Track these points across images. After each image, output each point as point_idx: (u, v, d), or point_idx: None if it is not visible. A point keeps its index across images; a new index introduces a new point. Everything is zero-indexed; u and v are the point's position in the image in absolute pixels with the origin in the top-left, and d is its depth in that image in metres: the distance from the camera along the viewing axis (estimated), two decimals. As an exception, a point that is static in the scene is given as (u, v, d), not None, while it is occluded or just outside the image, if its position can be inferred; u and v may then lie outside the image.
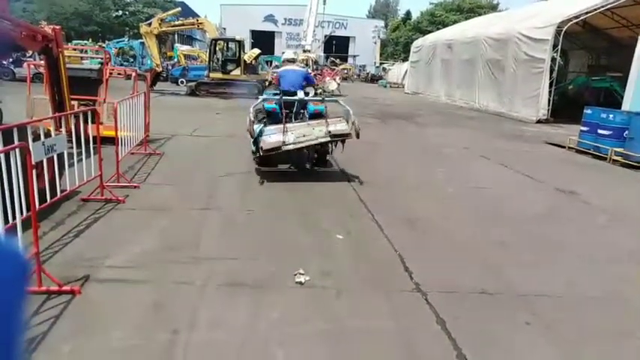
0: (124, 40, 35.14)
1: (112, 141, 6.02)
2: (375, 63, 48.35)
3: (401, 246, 4.68)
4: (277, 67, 32.67)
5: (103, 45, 32.51)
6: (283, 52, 8.50)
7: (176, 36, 43.44)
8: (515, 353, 3.08)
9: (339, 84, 23.93)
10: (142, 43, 24.12)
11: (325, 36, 45.51)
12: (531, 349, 3.13)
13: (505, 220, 5.84)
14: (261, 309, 3.37)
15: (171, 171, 7.26)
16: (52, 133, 4.60)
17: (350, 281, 3.90)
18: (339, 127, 7.08)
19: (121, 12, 51.01)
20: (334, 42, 51.41)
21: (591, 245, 5.20)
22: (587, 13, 16.33)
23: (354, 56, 55.07)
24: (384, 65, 45.37)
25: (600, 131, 10.50)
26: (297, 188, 6.68)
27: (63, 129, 4.93)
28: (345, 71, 40.72)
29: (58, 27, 6.69)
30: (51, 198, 4.60)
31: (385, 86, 36.77)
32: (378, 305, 3.54)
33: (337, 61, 45.86)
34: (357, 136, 7.09)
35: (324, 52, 47.29)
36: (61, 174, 4.95)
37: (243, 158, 8.31)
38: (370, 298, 3.64)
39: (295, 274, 3.85)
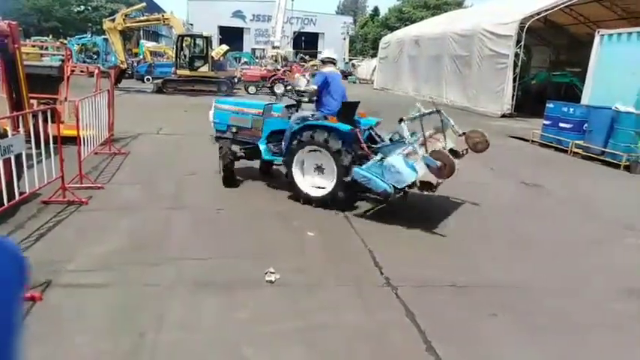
0: (86, 37, 34.04)
1: (73, 141, 5.82)
2: (344, 59, 48.47)
3: (371, 241, 4.71)
4: (247, 63, 32.56)
5: (65, 41, 31.40)
6: (320, 52, 6.97)
7: (141, 32, 42.33)
8: (482, 344, 3.15)
9: (308, 80, 23.85)
10: (106, 40, 23.38)
11: (294, 32, 45.35)
12: (497, 339, 3.21)
13: (472, 213, 5.96)
14: (231, 309, 3.34)
15: (136, 170, 7.09)
16: (9, 133, 4.42)
17: (321, 278, 3.90)
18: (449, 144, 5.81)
19: (82, 7, 49.36)
20: (303, 38, 51.28)
21: (557, 237, 5.37)
22: (547, 10, 16.82)
23: (323, 52, 55.05)
24: (354, 61, 45.54)
25: (562, 125, 10.85)
26: (266, 186, 6.63)
27: (21, 129, 4.74)
28: (315, 67, 40.68)
29: (14, 22, 6.41)
30: (9, 201, 4.41)
31: (354, 82, 36.93)
32: (349, 301, 3.56)
33: (307, 57, 45.77)
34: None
35: (294, 49, 47.12)
36: (19, 176, 4.75)
37: (212, 156, 8.18)
38: (341, 295, 3.65)
39: (266, 273, 3.82)
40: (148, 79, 23.13)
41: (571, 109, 10.81)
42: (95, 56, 31.97)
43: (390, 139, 5.85)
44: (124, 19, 19.10)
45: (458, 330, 3.28)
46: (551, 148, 11.10)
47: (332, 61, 6.44)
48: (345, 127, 5.47)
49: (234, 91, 21.38)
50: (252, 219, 5.25)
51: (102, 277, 3.67)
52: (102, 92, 7.66)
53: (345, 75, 41.58)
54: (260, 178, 7.01)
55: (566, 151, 10.56)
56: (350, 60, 47.17)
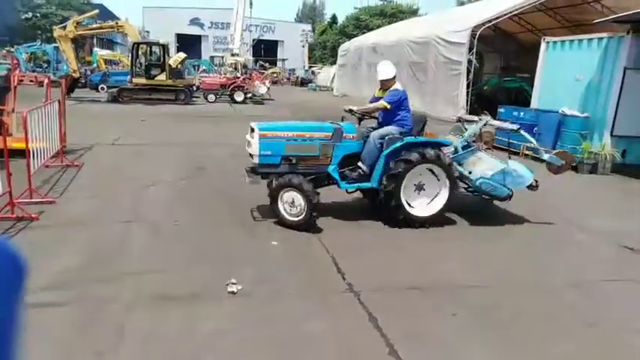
0: (35, 45, 32.72)
1: (22, 153, 5.58)
2: (304, 66, 48.74)
3: (334, 248, 4.74)
4: (205, 71, 32.18)
5: (11, 50, 30.04)
6: (378, 63, 6.16)
7: (95, 40, 41.13)
8: (443, 343, 3.23)
9: (268, 88, 23.85)
10: (57, 48, 22.57)
11: (253, 40, 45.19)
12: (456, 338, 3.30)
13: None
14: (193, 322, 3.28)
15: (91, 183, 6.86)
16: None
17: (284, 287, 3.89)
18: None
19: (30, 14, 47.36)
20: (262, 46, 51.25)
21: (514, 237, 5.58)
22: (497, 18, 17.53)
23: (283, 60, 55.18)
24: (313, 69, 45.84)
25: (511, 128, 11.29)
26: (227, 196, 6.56)
27: (-37, 143, 4.51)
28: (275, 75, 40.68)
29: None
30: (-49, 219, 4.17)
31: (315, 89, 37.14)
32: (312, 308, 3.57)
33: (266, 64, 45.72)
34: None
35: (253, 56, 46.95)
36: (-38, 192, 4.51)
37: (172, 167, 8.04)
38: (304, 302, 3.66)
39: (227, 284, 3.78)
40: (103, 88, 22.46)
41: (521, 113, 11.30)
42: (46, 65, 30.78)
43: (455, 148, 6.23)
44: (75, 27, 18.50)
45: (420, 331, 3.35)
46: (503, 151, 11.52)
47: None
48: (449, 141, 5.89)
49: (193, 99, 21.07)
50: (213, 229, 5.18)
51: (56, 296, 3.52)
52: (52, 102, 7.38)
53: (305, 82, 41.87)
54: (219, 186, 6.93)
55: (518, 153, 10.99)
56: (310, 67, 47.44)
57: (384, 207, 5.50)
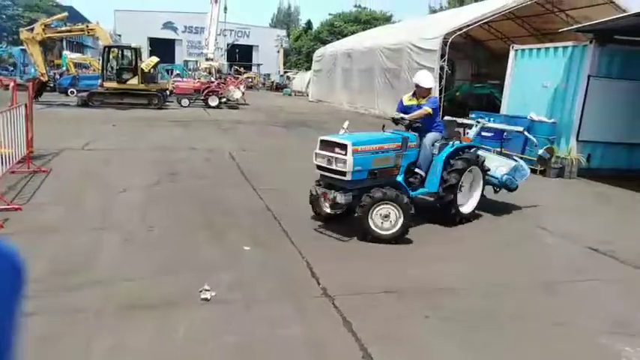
0: (1, 47, 31.76)
1: (-14, 159, 5.40)
2: (279, 71, 48.72)
3: (308, 252, 4.75)
4: (179, 75, 31.79)
5: (-25, 52, 29.09)
6: (418, 72, 6.47)
7: (64, 42, 40.18)
8: (416, 346, 3.27)
9: (243, 92, 23.74)
10: (24, 50, 21.94)
11: (228, 44, 44.96)
12: (430, 340, 3.35)
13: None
14: (166, 330, 3.22)
15: (59, 189, 6.68)
16: None
17: (258, 292, 3.87)
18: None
19: (-5, 15, 45.92)
20: (237, 50, 50.97)
21: (478, 237, 5.70)
22: (468, 26, 17.95)
23: (258, 65, 55.03)
24: (288, 74, 45.89)
25: (483, 133, 11.52)
26: (201, 201, 6.49)
27: None
28: (250, 80, 40.55)
29: None
30: None
31: (290, 94, 37.18)
32: (287, 314, 3.56)
33: (241, 69, 45.51)
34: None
35: (228, 61, 46.67)
36: None
37: (144, 172, 7.91)
38: (278, 308, 3.65)
39: (201, 291, 3.73)
40: (72, 92, 21.91)
41: (491, 119, 11.54)
42: (12, 68, 29.89)
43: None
44: (43, 29, 18.07)
45: (393, 334, 3.38)
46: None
47: None
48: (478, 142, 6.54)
49: (167, 104, 20.79)
50: (186, 236, 5.11)
51: (24, 305, 3.40)
52: (19, 106, 7.17)
53: (280, 87, 41.85)
54: (192, 192, 6.85)
55: (499, 153, 11.24)
56: (285, 72, 47.47)
57: (443, 213, 5.92)
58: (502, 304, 3.99)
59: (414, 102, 6.08)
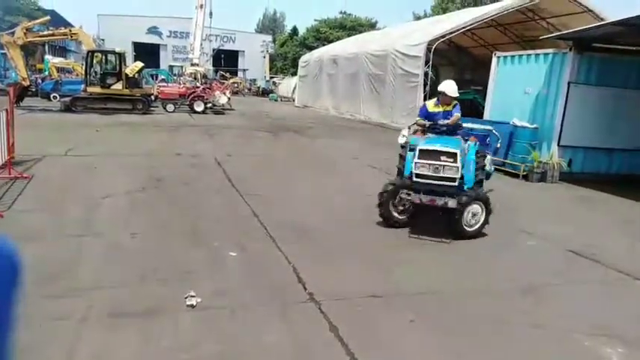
0: (-20, 51, 31.17)
1: (-35, 166, 5.30)
2: (265, 77, 48.71)
3: (294, 257, 4.75)
4: (164, 80, 31.55)
5: (-46, 56, 28.51)
6: (444, 82, 6.82)
7: (47, 47, 39.60)
8: (401, 349, 3.29)
9: (229, 98, 23.68)
10: (4, 54, 21.60)
11: (213, 50, 44.81)
12: (416, 344, 3.38)
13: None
14: (150, 338, 3.19)
15: (41, 195, 6.58)
16: None
17: (244, 298, 3.86)
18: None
19: (-25, 19, 45.09)
20: (223, 56, 50.82)
21: (466, 243, 5.74)
22: (451, 33, 18.22)
23: (244, 70, 54.97)
24: (274, 79, 45.91)
25: (466, 138, 11.70)
26: (186, 207, 6.45)
27: None
28: (236, 85, 40.42)
29: None
30: None
31: (276, 100, 37.18)
32: (273, 320, 3.56)
33: (227, 74, 45.37)
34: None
35: (213, 66, 46.50)
36: None
37: (128, 178, 7.83)
38: (265, 314, 3.64)
39: (186, 297, 3.71)
40: (55, 97, 21.62)
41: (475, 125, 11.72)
42: (-8, 72, 29.36)
43: None
44: (25, 33, 17.80)
45: (380, 339, 3.40)
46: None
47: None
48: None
49: (151, 109, 20.63)
50: (171, 242, 5.08)
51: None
52: (-1, 112, 7.06)
53: (267, 92, 41.82)
54: (177, 198, 6.81)
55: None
56: (271, 78, 47.48)
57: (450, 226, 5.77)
58: (484, 308, 4.04)
59: (440, 109, 6.47)
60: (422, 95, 17.90)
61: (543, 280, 4.77)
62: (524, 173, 10.01)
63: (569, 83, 9.91)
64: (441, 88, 6.54)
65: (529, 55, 11.35)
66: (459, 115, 6.32)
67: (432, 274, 4.67)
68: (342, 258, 4.93)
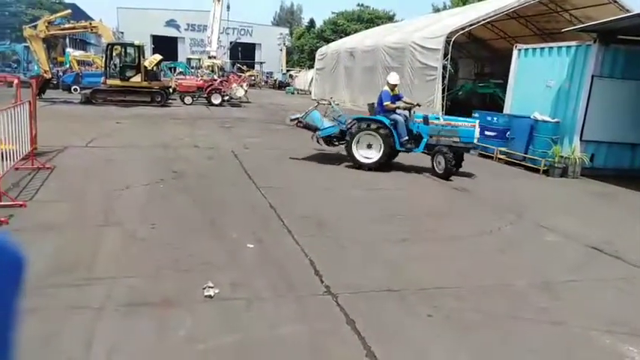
0: (5, 44, 31.82)
1: (-10, 156, 5.42)
2: (281, 70, 48.70)
3: (311, 250, 4.75)
4: (182, 73, 31.82)
5: (-21, 49, 29.15)
6: (391, 74, 9.84)
7: (68, 40, 40.23)
8: (419, 344, 3.27)
9: (246, 91, 23.74)
10: (27, 47, 21.99)
11: (231, 42, 44.98)
12: (434, 339, 3.35)
13: (407, 219, 6.19)
14: (167, 328, 3.23)
15: (63, 186, 6.70)
16: None
17: (261, 290, 3.88)
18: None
19: (-1, 12, 46.03)
20: (240, 48, 50.98)
21: (479, 237, 5.70)
22: (471, 25, 17.91)
23: (261, 63, 55.02)
24: (291, 72, 45.85)
25: (487, 133, 11.54)
26: (204, 198, 6.50)
27: None
28: (252, 78, 40.52)
29: None
30: None
31: (292, 93, 37.15)
32: (290, 312, 3.57)
33: (244, 67, 45.49)
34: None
35: (231, 59, 46.69)
36: None
37: (147, 170, 7.92)
38: (282, 306, 3.65)
39: (204, 288, 3.74)
40: (76, 90, 21.97)
41: (495, 118, 11.55)
42: (15, 65, 29.97)
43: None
44: (47, 27, 18.07)
45: (397, 334, 3.38)
46: (477, 155, 11.76)
47: (387, 82, 9.54)
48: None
49: (169, 101, 20.81)
50: (189, 233, 5.12)
51: (25, 302, 3.41)
52: (23, 103, 7.18)
53: (283, 85, 41.82)
54: (194, 189, 6.87)
55: (492, 157, 11.24)
56: (287, 71, 47.44)
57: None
58: (502, 303, 3.98)
59: (395, 93, 9.41)
60: (440, 88, 17.67)
61: (562, 277, 4.68)
62: (545, 168, 9.84)
63: (592, 76, 9.67)
64: (394, 80, 9.36)
65: (551, 47, 11.11)
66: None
67: (449, 269, 4.63)
68: (358, 251, 4.92)
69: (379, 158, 8.86)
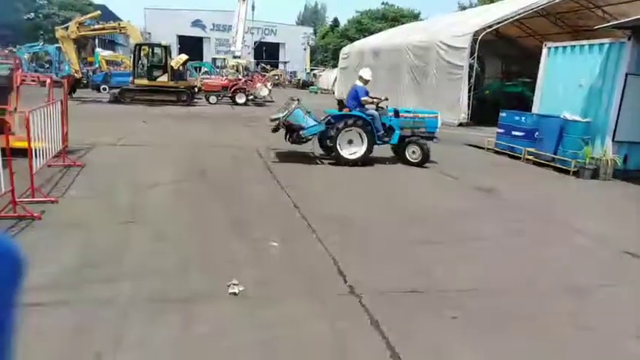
0: (38, 45, 32.80)
1: (25, 153, 5.58)
2: (305, 69, 48.82)
3: (335, 249, 4.74)
4: (207, 73, 32.25)
5: (14, 50, 30.14)
6: (365, 69, 10.38)
7: (97, 40, 41.20)
8: (443, 346, 3.22)
9: (270, 90, 23.89)
10: (59, 48, 22.63)
11: (255, 42, 45.35)
12: (459, 341, 3.30)
13: (430, 219, 6.12)
14: (192, 324, 3.27)
15: (93, 183, 6.86)
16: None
17: (285, 288, 3.89)
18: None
19: (32, 15, 47.52)
20: (264, 48, 51.37)
21: (506, 238, 5.58)
22: (499, 23, 17.58)
23: (285, 62, 55.29)
24: (315, 71, 45.91)
25: (514, 133, 11.32)
26: (229, 196, 6.56)
27: (-34, 141, 4.52)
28: (276, 77, 40.76)
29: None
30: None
31: (316, 92, 37.20)
32: (314, 311, 3.56)
33: (268, 67, 45.78)
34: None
35: (255, 58, 47.06)
36: (-36, 191, 4.51)
37: (173, 168, 8.05)
38: (305, 305, 3.65)
39: (229, 285, 3.77)
40: (105, 89, 22.50)
41: (523, 118, 11.30)
42: (47, 65, 30.87)
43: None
44: (78, 28, 18.58)
45: (421, 335, 3.34)
46: (505, 155, 11.55)
47: (359, 77, 9.86)
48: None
49: (195, 101, 21.11)
50: (214, 230, 5.18)
51: (54, 296, 3.52)
52: (55, 102, 7.39)
53: (307, 85, 41.90)
54: (219, 188, 6.94)
55: (519, 158, 11.01)
56: (311, 70, 47.51)
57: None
58: (529, 307, 3.89)
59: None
60: (466, 87, 17.40)
61: (592, 281, 4.54)
62: (575, 169, 9.57)
63: (626, 75, 9.36)
64: (368, 76, 9.81)
65: (582, 45, 10.79)
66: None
67: (474, 271, 4.54)
68: (383, 251, 4.88)
69: (364, 153, 9.09)
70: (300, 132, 9.04)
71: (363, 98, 9.34)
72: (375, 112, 9.33)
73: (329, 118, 9.33)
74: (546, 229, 6.08)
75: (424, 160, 9.45)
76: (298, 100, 9.49)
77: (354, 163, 9.03)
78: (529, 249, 5.33)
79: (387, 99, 9.84)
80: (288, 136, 9.59)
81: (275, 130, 9.42)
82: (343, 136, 9.08)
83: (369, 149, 9.15)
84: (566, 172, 9.69)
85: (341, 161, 9.04)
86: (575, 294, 4.19)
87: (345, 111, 9.36)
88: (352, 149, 9.16)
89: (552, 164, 10.13)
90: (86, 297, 3.54)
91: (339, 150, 9.07)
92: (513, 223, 6.23)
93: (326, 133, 9.19)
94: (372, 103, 9.48)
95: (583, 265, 4.96)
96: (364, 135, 9.08)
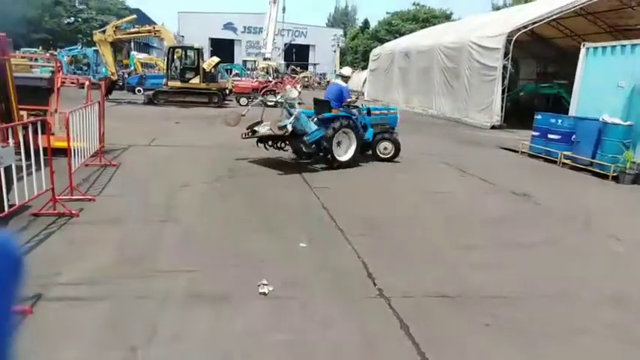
0: (77, 48, 33.97)
1: (64, 152, 5.79)
2: (335, 71, 48.83)
3: (364, 252, 4.71)
4: (238, 75, 32.70)
5: (55, 53, 31.30)
6: (345, 67, 10.74)
7: (132, 44, 42.38)
8: (477, 354, 3.15)
9: (300, 92, 23.97)
10: (96, 51, 23.35)
11: (285, 44, 45.67)
12: (492, 350, 3.22)
13: (464, 223, 6.00)
14: (223, 321, 3.31)
15: (128, 182, 7.05)
16: (-1, 145, 4.37)
17: (313, 290, 3.89)
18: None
19: (72, 19, 49.28)
20: (294, 50, 51.68)
21: (543, 245, 5.41)
22: (534, 23, 17.13)
23: (315, 64, 55.50)
24: (342, 72, 45.78)
25: (550, 136, 11.00)
26: (258, 197, 6.62)
27: (10, 140, 4.70)
28: (306, 79, 40.91)
29: (2, 34, 6.38)
30: (-3, 214, 4.36)
31: (345, 94, 37.05)
32: (342, 313, 3.54)
33: (298, 69, 46.03)
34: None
35: (285, 60, 47.38)
36: (9, 188, 4.71)
37: (204, 168, 8.18)
38: (334, 307, 3.63)
39: (259, 285, 3.80)
40: (139, 91, 23.11)
41: (559, 121, 10.96)
42: (85, 68, 31.91)
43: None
44: (114, 31, 19.13)
45: (452, 341, 3.28)
46: (540, 159, 11.23)
47: (340, 75, 10.22)
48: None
49: (226, 102, 21.41)
50: (244, 230, 5.23)
51: (92, 291, 3.63)
52: (92, 104, 7.64)
53: (337, 87, 41.78)
54: (249, 188, 7.01)
55: (555, 162, 10.68)
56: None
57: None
58: (567, 316, 3.75)
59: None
60: (500, 89, 17.03)
61: (634, 290, 4.35)
62: (615, 174, 9.21)
63: (671, 76, 8.96)
64: (349, 73, 10.38)
65: (623, 45, 10.40)
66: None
67: (510, 277, 4.43)
68: (413, 254, 4.82)
69: (354, 154, 8.96)
70: (304, 138, 8.34)
71: (349, 99, 9.28)
72: (356, 112, 9.38)
73: (319, 119, 8.85)
74: (586, 236, 5.87)
75: (395, 155, 9.67)
76: (289, 102, 9.23)
77: (346, 164, 8.79)
78: (567, 256, 5.15)
79: (357, 98, 10.06)
80: (272, 144, 9.25)
81: (259, 139, 9.04)
82: (335, 139, 8.71)
83: (357, 149, 8.97)
84: (605, 177, 9.34)
85: (334, 164, 8.65)
86: (615, 304, 4.03)
87: (334, 112, 8.91)
88: (341, 150, 8.86)
89: (590, 168, 9.78)
90: (122, 292, 3.63)
91: (334, 152, 8.64)
92: (551, 228, 6.04)
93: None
94: (354, 102, 9.61)
95: (624, 275, 4.76)
96: (352, 135, 8.85)
